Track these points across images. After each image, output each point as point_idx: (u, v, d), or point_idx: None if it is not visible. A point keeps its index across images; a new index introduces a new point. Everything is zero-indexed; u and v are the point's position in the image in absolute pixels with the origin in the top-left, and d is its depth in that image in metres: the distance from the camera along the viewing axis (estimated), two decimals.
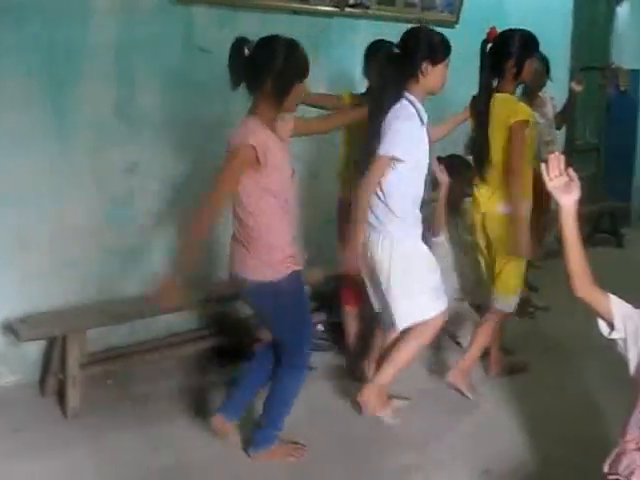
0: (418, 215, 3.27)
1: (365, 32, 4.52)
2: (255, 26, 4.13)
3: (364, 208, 3.12)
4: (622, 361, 2.19)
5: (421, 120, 3.15)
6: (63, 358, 3.43)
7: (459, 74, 5.51)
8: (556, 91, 5.25)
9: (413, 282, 3.19)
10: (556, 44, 6.04)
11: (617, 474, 2.12)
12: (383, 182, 3.12)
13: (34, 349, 3.66)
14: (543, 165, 2.12)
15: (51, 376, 3.57)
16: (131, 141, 3.88)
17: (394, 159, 3.07)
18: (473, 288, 4.42)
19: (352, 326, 3.97)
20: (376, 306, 3.45)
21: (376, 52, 3.61)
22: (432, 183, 4.24)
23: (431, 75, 3.14)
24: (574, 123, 6.54)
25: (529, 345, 4.25)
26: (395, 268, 3.17)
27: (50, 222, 3.67)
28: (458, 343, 4.21)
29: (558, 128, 5.13)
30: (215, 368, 3.94)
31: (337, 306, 4.10)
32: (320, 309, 4.42)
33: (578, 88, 4.63)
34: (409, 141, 3.09)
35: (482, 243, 3.71)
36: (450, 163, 4.17)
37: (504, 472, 2.98)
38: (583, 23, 6.71)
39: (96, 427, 3.29)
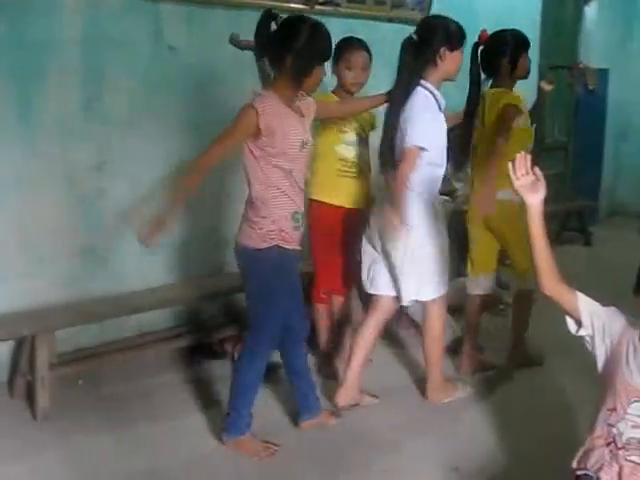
0: (435, 201, 3.40)
1: (335, 30, 4.48)
2: (225, 23, 4.12)
3: (405, 204, 3.17)
4: (592, 358, 2.20)
5: (439, 106, 3.28)
6: (32, 359, 3.38)
7: None
8: (525, 90, 5.29)
9: (423, 265, 3.33)
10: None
11: (586, 470, 2.14)
12: None
13: (2, 350, 3.60)
14: (509, 164, 2.13)
15: (20, 377, 3.52)
16: (99, 139, 3.83)
17: (422, 149, 3.16)
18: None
19: (323, 324, 3.96)
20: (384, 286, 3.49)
21: (345, 50, 3.62)
22: None
23: (449, 60, 3.24)
24: (543, 122, 6.59)
25: (501, 343, 4.27)
26: (409, 252, 3.29)
27: (18, 221, 3.62)
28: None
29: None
30: (188, 367, 3.92)
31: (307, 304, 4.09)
32: None
33: (548, 87, 4.64)
34: (432, 131, 3.22)
35: (482, 233, 3.86)
36: None
37: (474, 470, 2.99)
38: (551, 23, 6.77)
39: (67, 429, 3.24)
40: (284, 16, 2.89)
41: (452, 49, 3.24)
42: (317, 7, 4.60)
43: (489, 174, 3.56)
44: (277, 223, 2.89)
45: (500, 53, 3.73)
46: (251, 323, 3.08)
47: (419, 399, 3.63)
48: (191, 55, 4.06)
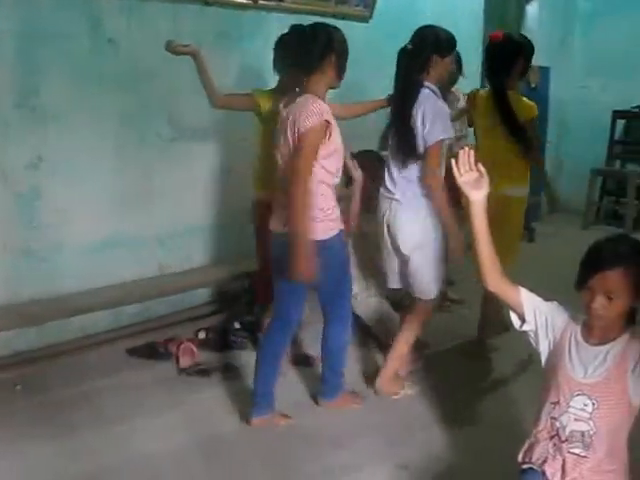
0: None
1: (278, 25, 4.46)
2: (165, 17, 4.06)
3: (444, 199, 3.31)
4: (536, 353, 2.23)
5: None
6: None
7: (373, 67, 5.56)
8: (469, 87, 5.34)
9: (434, 261, 3.44)
10: (468, 41, 6.13)
11: (530, 463, 2.16)
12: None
13: None
14: (453, 160, 2.13)
15: None
16: (36, 135, 3.72)
17: (443, 141, 3.34)
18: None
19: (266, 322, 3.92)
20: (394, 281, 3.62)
21: (286, 44, 3.59)
22: (346, 179, 4.25)
23: (440, 66, 3.44)
24: None
25: (445, 338, 4.30)
26: (417, 242, 3.40)
27: None
28: (379, 342, 4.21)
29: (470, 125, 5.24)
30: (131, 369, 3.84)
31: (255, 303, 4.06)
32: (233, 307, 4.37)
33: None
34: (448, 120, 3.40)
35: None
36: (364, 159, 4.16)
37: (423, 467, 2.99)
38: (494, 20, 6.84)
39: (4, 437, 3.13)
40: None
41: (443, 56, 3.43)
42: (260, 2, 4.55)
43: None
44: (332, 213, 3.12)
45: (514, 55, 3.88)
46: (330, 300, 3.26)
47: (370, 399, 3.61)
48: (131, 48, 3.98)
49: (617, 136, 7.87)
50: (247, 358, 3.97)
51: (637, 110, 7.64)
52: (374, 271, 4.38)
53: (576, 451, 2.06)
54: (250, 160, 3.86)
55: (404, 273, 3.53)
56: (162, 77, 4.09)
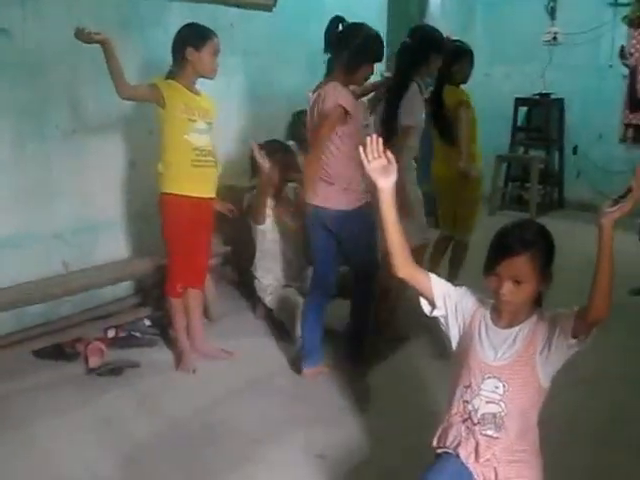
0: None
1: (178, 14, 4.39)
2: (62, 6, 3.90)
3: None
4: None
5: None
6: None
7: (277, 56, 5.54)
8: (374, 78, 5.38)
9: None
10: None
11: (445, 447, 2.18)
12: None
13: None
14: (361, 148, 2.11)
15: None
16: None
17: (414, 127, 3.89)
18: (299, 274, 4.43)
19: (180, 319, 3.83)
20: None
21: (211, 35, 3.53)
22: (252, 170, 4.21)
23: (434, 63, 4.01)
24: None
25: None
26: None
27: None
28: (286, 331, 4.19)
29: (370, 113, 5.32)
30: (38, 370, 3.70)
31: (162, 298, 3.97)
32: (145, 303, 4.28)
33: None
34: (420, 111, 3.94)
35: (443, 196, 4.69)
36: (271, 149, 4.13)
37: (340, 457, 2.98)
38: (397, 10, 6.89)
39: None
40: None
41: (439, 54, 3.99)
42: None
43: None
44: (358, 185, 3.45)
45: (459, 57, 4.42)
46: (359, 267, 3.66)
47: (285, 388, 3.60)
48: (27, 39, 3.81)
49: (520, 123, 8.10)
50: (158, 355, 3.92)
51: (538, 97, 7.87)
52: (289, 263, 4.37)
53: (489, 433, 2.09)
54: (156, 152, 3.75)
55: None
56: (60, 68, 3.94)
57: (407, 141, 3.87)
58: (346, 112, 3.35)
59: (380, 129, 3.89)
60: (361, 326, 3.80)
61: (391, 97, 3.94)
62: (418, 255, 3.99)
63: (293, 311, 4.16)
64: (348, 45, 3.42)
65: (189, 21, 3.61)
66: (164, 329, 4.10)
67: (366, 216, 3.48)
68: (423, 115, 4.01)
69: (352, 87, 3.59)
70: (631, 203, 1.85)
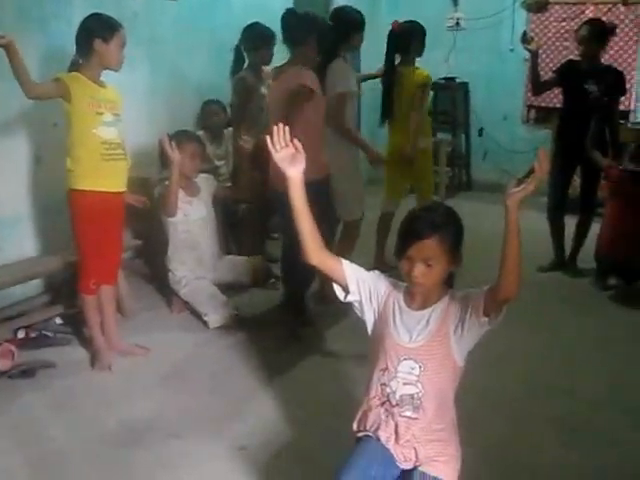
0: None
1: (81, 4, 4.25)
2: None
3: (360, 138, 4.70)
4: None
5: None
6: None
7: (184, 46, 5.46)
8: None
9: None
10: (278, 21, 6.15)
11: (365, 430, 2.20)
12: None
13: None
14: (268, 137, 2.09)
15: None
16: None
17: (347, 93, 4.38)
18: (215, 263, 4.41)
19: (93, 316, 3.74)
20: None
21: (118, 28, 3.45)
22: (162, 161, 4.15)
23: (356, 39, 4.59)
24: None
25: (276, 315, 4.31)
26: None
27: None
28: (204, 322, 4.16)
29: None
30: None
31: (74, 296, 3.87)
32: (56, 301, 4.16)
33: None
34: (349, 78, 4.45)
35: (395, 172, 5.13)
36: (180, 139, 4.08)
37: (260, 446, 2.98)
38: (304, 4, 6.86)
39: None
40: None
41: (359, 32, 4.58)
42: None
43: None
44: (321, 158, 3.90)
45: (411, 39, 4.96)
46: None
47: (203, 382, 3.56)
48: None
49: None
50: (72, 354, 3.83)
51: (443, 81, 8.01)
52: (202, 254, 4.34)
53: (407, 414, 2.12)
54: (63, 145, 3.64)
55: None
56: None
57: (344, 107, 4.31)
58: (311, 91, 3.79)
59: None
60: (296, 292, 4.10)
61: (319, 73, 4.15)
62: (356, 229, 4.63)
63: (208, 302, 4.14)
64: (310, 33, 3.93)
65: (93, 11, 3.50)
66: (77, 327, 4.00)
67: (325, 188, 3.92)
68: (354, 82, 4.51)
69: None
70: (534, 183, 1.90)
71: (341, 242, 4.46)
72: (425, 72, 5.05)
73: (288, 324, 4.09)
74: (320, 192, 3.69)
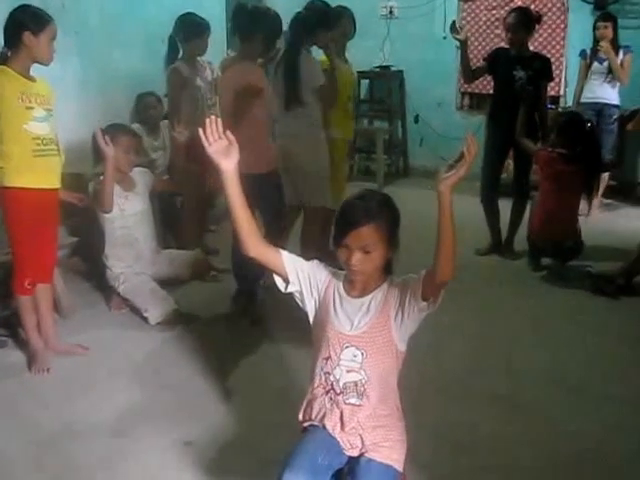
0: None
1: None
2: None
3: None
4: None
5: None
6: None
7: (114, 38, 5.37)
8: (216, 57, 5.36)
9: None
10: (211, 9, 6.12)
11: (311, 420, 2.21)
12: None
13: None
14: (200, 130, 2.07)
15: None
16: None
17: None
18: (154, 258, 4.36)
19: (29, 316, 3.65)
20: None
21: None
22: (95, 156, 4.08)
23: (323, 38, 4.40)
24: None
25: (218, 308, 4.29)
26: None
27: None
28: (144, 318, 4.12)
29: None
30: None
31: (8, 297, 3.79)
32: None
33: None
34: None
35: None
36: (114, 133, 4.00)
37: (207, 441, 2.97)
38: None
39: None
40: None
41: (330, 28, 4.45)
42: None
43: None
44: (269, 150, 4.04)
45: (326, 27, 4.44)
46: (269, 228, 3.77)
47: (145, 378, 3.52)
48: None
49: (362, 96, 8.27)
50: (9, 357, 3.74)
51: (378, 70, 8.06)
52: (140, 249, 4.28)
53: (352, 401, 2.13)
54: None
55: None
56: None
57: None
58: (259, 90, 3.83)
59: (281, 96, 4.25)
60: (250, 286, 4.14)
61: (287, 67, 4.23)
62: (320, 217, 4.52)
63: (148, 297, 4.10)
64: (258, 29, 3.91)
65: (19, 3, 3.41)
66: (13, 329, 3.91)
67: (273, 181, 3.99)
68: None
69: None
70: (464, 168, 1.92)
71: (305, 232, 4.56)
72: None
73: (243, 316, 4.12)
74: (266, 185, 3.86)
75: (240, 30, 4.00)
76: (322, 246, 4.46)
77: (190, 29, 4.94)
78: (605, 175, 6.48)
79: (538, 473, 2.81)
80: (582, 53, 6.70)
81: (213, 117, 2.06)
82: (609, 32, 6.36)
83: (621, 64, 6.41)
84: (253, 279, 4.11)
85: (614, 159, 6.47)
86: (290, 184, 4.36)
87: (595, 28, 6.46)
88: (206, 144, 2.05)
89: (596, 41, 6.46)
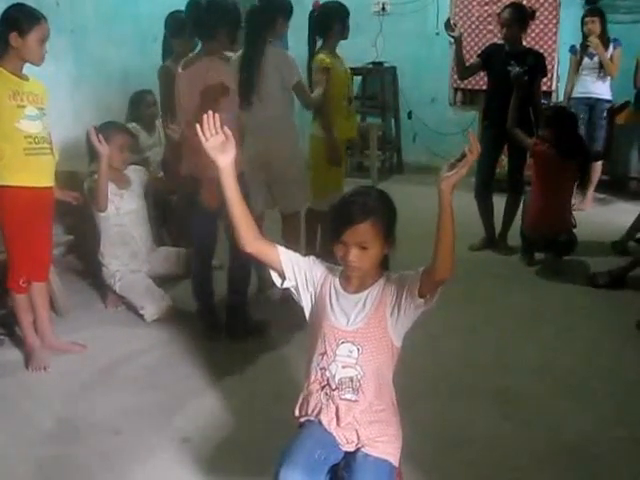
0: None
1: None
2: None
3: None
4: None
5: None
6: None
7: (108, 36, 5.36)
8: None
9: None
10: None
11: (307, 415, 2.21)
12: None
13: None
14: (198, 125, 2.07)
15: None
16: None
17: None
18: (149, 255, 4.36)
19: (25, 315, 3.66)
20: None
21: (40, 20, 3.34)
22: (90, 154, 4.08)
23: (281, 24, 4.25)
24: None
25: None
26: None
27: None
28: (140, 315, 4.12)
29: None
30: None
31: (5, 295, 3.79)
32: None
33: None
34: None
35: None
36: (108, 132, 4.01)
37: (204, 437, 2.98)
38: None
39: None
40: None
41: (284, 16, 4.29)
42: None
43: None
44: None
45: (332, 20, 4.57)
46: None
47: (143, 377, 3.53)
48: None
49: (356, 92, 8.27)
50: (6, 356, 3.75)
51: (371, 66, 8.07)
52: (136, 247, 4.29)
53: (347, 397, 2.14)
54: None
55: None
56: None
57: (307, 92, 4.26)
58: (227, 88, 3.57)
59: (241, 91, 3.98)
60: (239, 296, 3.92)
61: (249, 60, 4.10)
62: (299, 220, 4.53)
63: (143, 295, 4.10)
64: (219, 24, 3.65)
65: (15, 1, 3.41)
66: (10, 328, 3.91)
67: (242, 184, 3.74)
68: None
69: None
70: (466, 167, 1.93)
71: (286, 236, 4.36)
72: (326, 58, 4.52)
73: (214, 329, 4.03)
74: None
75: (199, 28, 3.73)
76: (314, 246, 4.45)
77: (179, 27, 4.86)
78: (598, 168, 6.52)
79: (532, 468, 2.82)
80: (572, 49, 6.74)
81: (210, 112, 2.07)
82: (596, 27, 6.38)
83: (611, 58, 6.44)
84: (210, 293, 4.02)
85: (603, 150, 6.49)
86: (260, 188, 4.24)
87: (583, 23, 6.49)
88: (203, 140, 2.06)
89: (585, 36, 6.49)
